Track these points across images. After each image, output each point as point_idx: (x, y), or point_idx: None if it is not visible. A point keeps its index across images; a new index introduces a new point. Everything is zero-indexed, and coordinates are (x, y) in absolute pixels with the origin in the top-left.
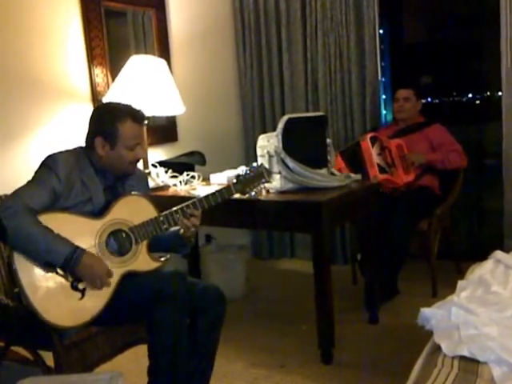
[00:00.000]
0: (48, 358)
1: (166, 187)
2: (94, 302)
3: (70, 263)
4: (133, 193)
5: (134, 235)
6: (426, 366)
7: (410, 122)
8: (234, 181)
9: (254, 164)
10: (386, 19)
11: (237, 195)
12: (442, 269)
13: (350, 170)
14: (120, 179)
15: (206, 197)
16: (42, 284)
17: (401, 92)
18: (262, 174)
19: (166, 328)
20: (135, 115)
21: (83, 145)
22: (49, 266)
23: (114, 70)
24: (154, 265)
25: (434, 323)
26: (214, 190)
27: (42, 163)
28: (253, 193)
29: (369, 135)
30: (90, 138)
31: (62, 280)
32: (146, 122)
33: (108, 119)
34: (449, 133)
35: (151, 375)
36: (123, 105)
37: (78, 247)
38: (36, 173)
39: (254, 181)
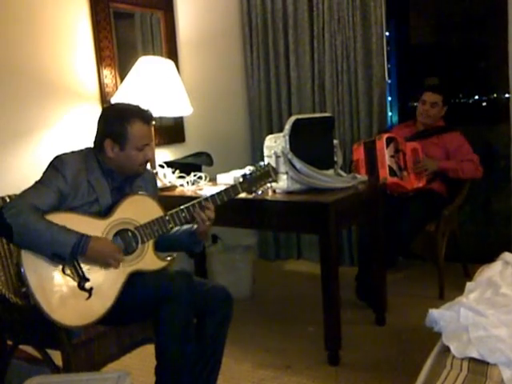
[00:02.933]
0: (56, 357)
1: (173, 187)
2: (102, 301)
3: (77, 251)
4: (139, 192)
5: (140, 234)
6: (435, 367)
7: (430, 125)
8: (241, 180)
9: (261, 163)
10: (392, 21)
11: (243, 195)
12: (449, 271)
13: (366, 164)
14: (128, 180)
15: (213, 196)
16: (49, 284)
17: (430, 96)
18: (268, 173)
19: (172, 327)
20: (144, 116)
21: (91, 146)
22: (57, 258)
23: (123, 71)
24: (160, 264)
25: (443, 325)
26: (220, 190)
27: (49, 164)
28: (259, 192)
29: (385, 135)
30: (99, 139)
31: (70, 280)
32: (153, 122)
33: (117, 121)
34: (467, 142)
35: (158, 375)
36: (131, 106)
37: (83, 234)
38: (43, 174)
39: (260, 180)
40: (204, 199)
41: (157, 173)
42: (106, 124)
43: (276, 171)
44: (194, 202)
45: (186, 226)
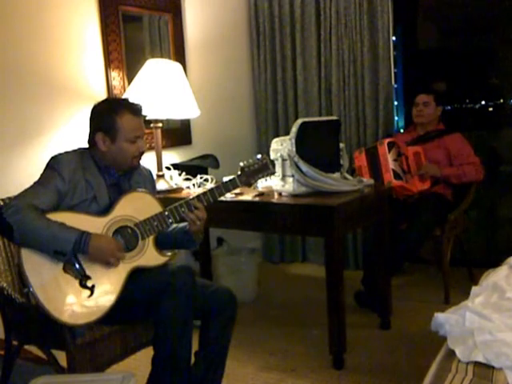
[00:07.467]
0: (61, 357)
1: (179, 189)
2: (104, 298)
3: (79, 248)
4: (138, 189)
5: (139, 231)
6: (440, 371)
7: (430, 128)
8: (239, 173)
9: (258, 156)
10: (399, 25)
11: (249, 197)
12: (454, 275)
13: (369, 170)
14: (126, 176)
15: (211, 190)
16: (50, 283)
17: (421, 97)
18: (266, 165)
19: (170, 319)
20: (132, 108)
21: (86, 145)
22: (59, 256)
23: (131, 74)
24: (161, 259)
25: (448, 328)
26: (217, 184)
27: (47, 165)
28: (258, 184)
29: (386, 140)
30: (91, 135)
31: (71, 278)
32: (145, 116)
33: (106, 114)
34: (468, 144)
35: (154, 365)
36: (120, 99)
37: (84, 231)
38: (41, 174)
39: (258, 172)
40: (202, 193)
41: (163, 175)
42: (96, 118)
43: (273, 163)
44: (193, 196)
45: (181, 224)
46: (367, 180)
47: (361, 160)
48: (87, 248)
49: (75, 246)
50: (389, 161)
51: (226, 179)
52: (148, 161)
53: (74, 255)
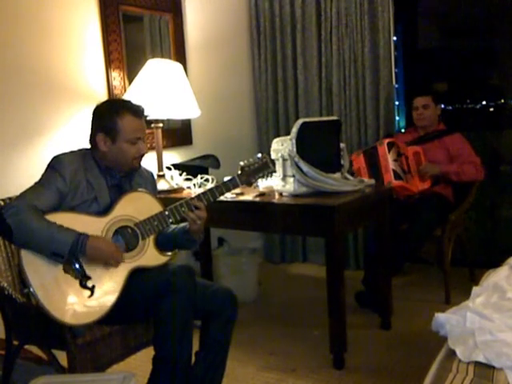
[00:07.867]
0: (61, 357)
1: (180, 190)
2: (104, 298)
3: (76, 249)
4: (138, 189)
5: (140, 231)
6: (441, 371)
7: (430, 129)
8: (239, 172)
9: (258, 155)
10: (400, 25)
11: (250, 197)
12: (455, 276)
13: (368, 171)
14: (127, 177)
15: (211, 189)
16: (51, 284)
17: (419, 100)
18: (266, 164)
19: (170, 319)
20: (134, 109)
21: (88, 146)
22: (57, 257)
23: (131, 74)
24: (162, 259)
25: (449, 328)
26: (217, 184)
27: (48, 165)
28: (259, 184)
29: (386, 140)
30: (92, 135)
31: (71, 279)
32: (146, 116)
33: (107, 114)
34: (468, 144)
35: (154, 365)
36: (122, 100)
37: (81, 233)
38: (42, 175)
39: (258, 171)
40: (202, 193)
41: (164, 175)
42: (98, 119)
43: (273, 162)
44: (193, 196)
45: (182, 224)
46: (368, 180)
47: (359, 162)
48: (84, 249)
49: (72, 247)
50: (389, 161)
51: (226, 179)
52: (149, 161)
53: (73, 256)
